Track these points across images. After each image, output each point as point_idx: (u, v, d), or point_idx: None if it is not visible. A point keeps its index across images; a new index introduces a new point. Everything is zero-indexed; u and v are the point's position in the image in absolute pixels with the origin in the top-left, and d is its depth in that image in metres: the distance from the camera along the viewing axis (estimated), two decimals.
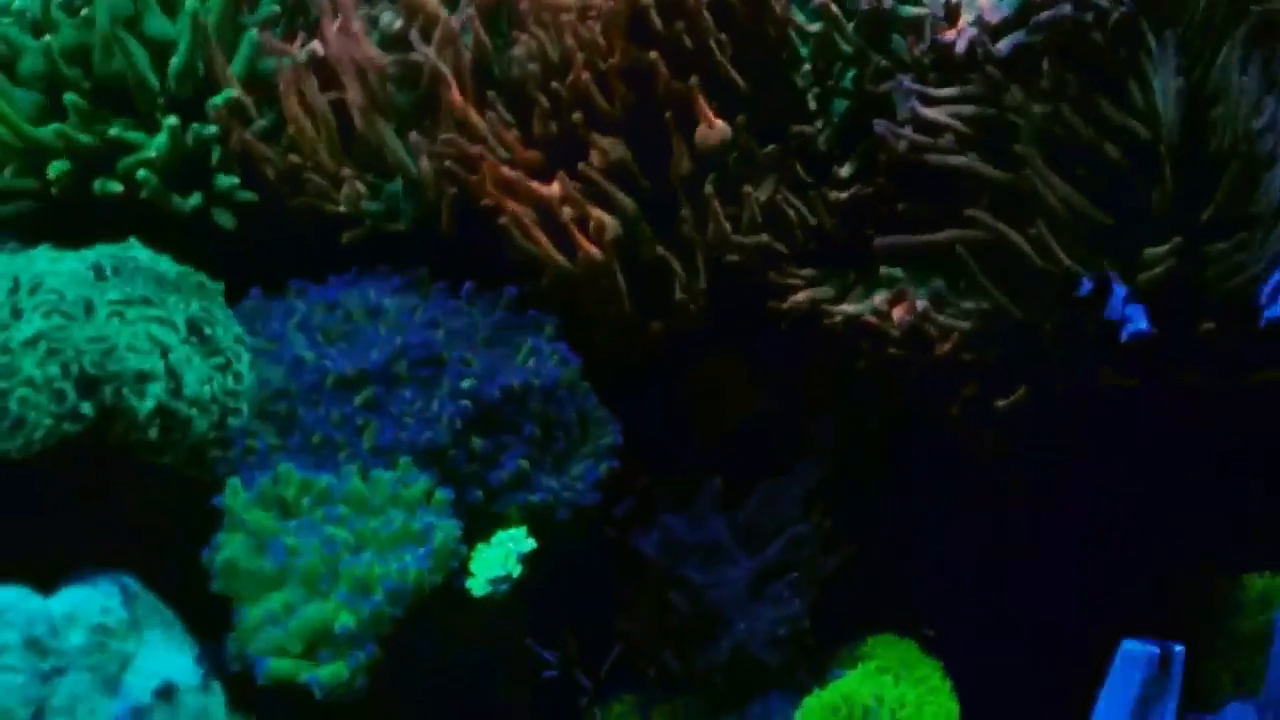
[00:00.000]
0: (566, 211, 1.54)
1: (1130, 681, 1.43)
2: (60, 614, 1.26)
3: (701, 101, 1.54)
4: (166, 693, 1.27)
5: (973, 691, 1.60)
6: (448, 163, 1.57)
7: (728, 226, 1.56)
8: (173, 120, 1.56)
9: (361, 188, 1.61)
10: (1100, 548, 1.73)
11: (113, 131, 1.56)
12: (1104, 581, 1.72)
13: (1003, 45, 1.49)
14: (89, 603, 1.28)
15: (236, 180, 1.61)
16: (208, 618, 1.40)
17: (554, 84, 1.56)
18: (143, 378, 1.38)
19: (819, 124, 1.63)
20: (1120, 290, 1.41)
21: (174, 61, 1.59)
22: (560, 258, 1.55)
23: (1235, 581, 1.72)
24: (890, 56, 1.57)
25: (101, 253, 1.49)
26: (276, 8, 1.67)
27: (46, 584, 1.32)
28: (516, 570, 1.42)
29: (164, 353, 1.41)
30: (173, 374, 1.40)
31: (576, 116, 1.55)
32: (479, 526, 1.46)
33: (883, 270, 1.58)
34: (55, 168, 1.54)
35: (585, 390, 1.58)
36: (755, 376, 1.72)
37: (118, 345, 1.38)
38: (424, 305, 1.57)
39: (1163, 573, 1.71)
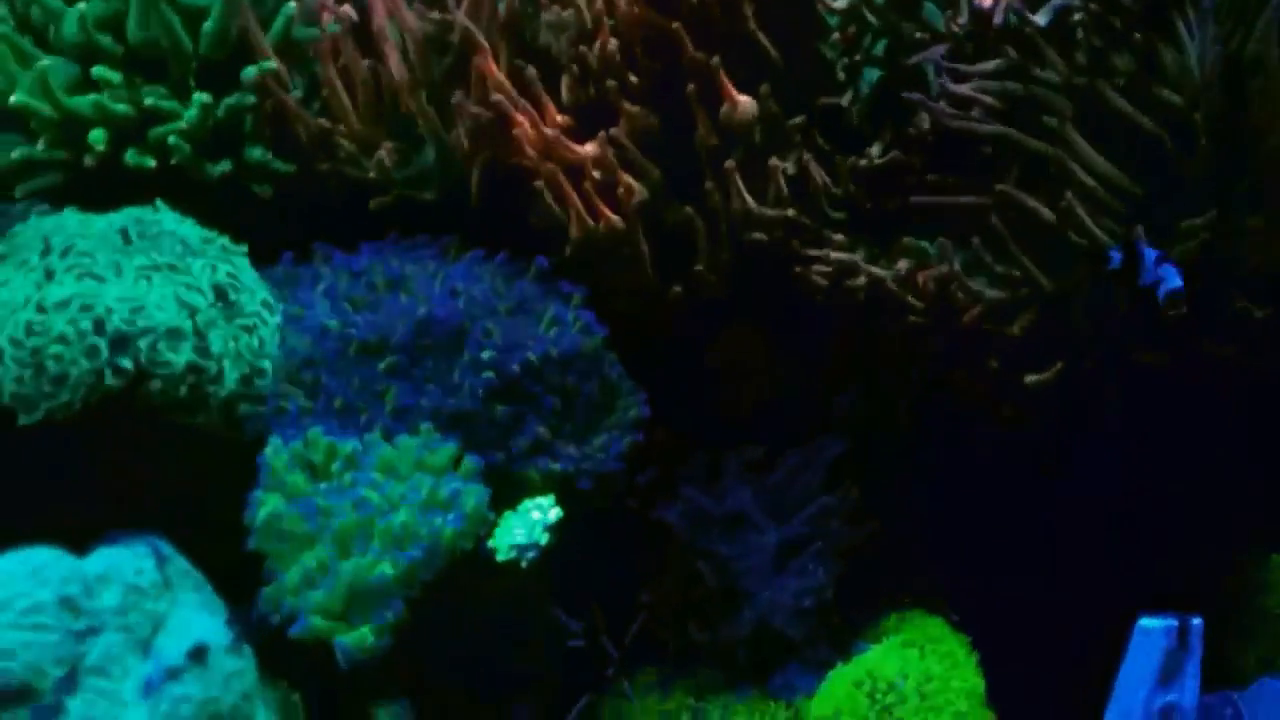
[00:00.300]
0: (596, 175, 1.54)
1: (1150, 654, 1.43)
2: (94, 574, 1.27)
3: (724, 80, 1.53)
4: (199, 654, 1.27)
5: (997, 667, 1.59)
6: (481, 125, 1.56)
7: (752, 203, 1.55)
8: (205, 97, 1.57)
9: (391, 154, 1.61)
10: (1126, 525, 1.73)
11: (148, 101, 1.56)
12: (1129, 559, 1.71)
13: (1040, 16, 1.48)
14: (122, 564, 1.29)
15: (269, 154, 1.61)
16: (235, 581, 1.40)
17: (582, 49, 1.55)
18: (174, 334, 1.39)
19: (848, 95, 1.62)
20: (1151, 253, 1.40)
21: (207, 26, 1.60)
22: (590, 220, 1.54)
23: (1262, 560, 1.71)
24: (923, 26, 1.56)
25: (129, 217, 1.50)
26: None
27: (79, 546, 1.33)
28: (544, 539, 1.42)
29: (191, 314, 1.41)
30: (200, 334, 1.41)
31: (609, 84, 1.54)
32: (500, 494, 1.46)
33: (907, 241, 1.57)
34: (94, 137, 1.54)
35: (611, 360, 1.57)
36: (777, 351, 1.72)
37: (147, 305, 1.39)
38: (446, 273, 1.56)
39: (1188, 551, 1.70)
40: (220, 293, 1.46)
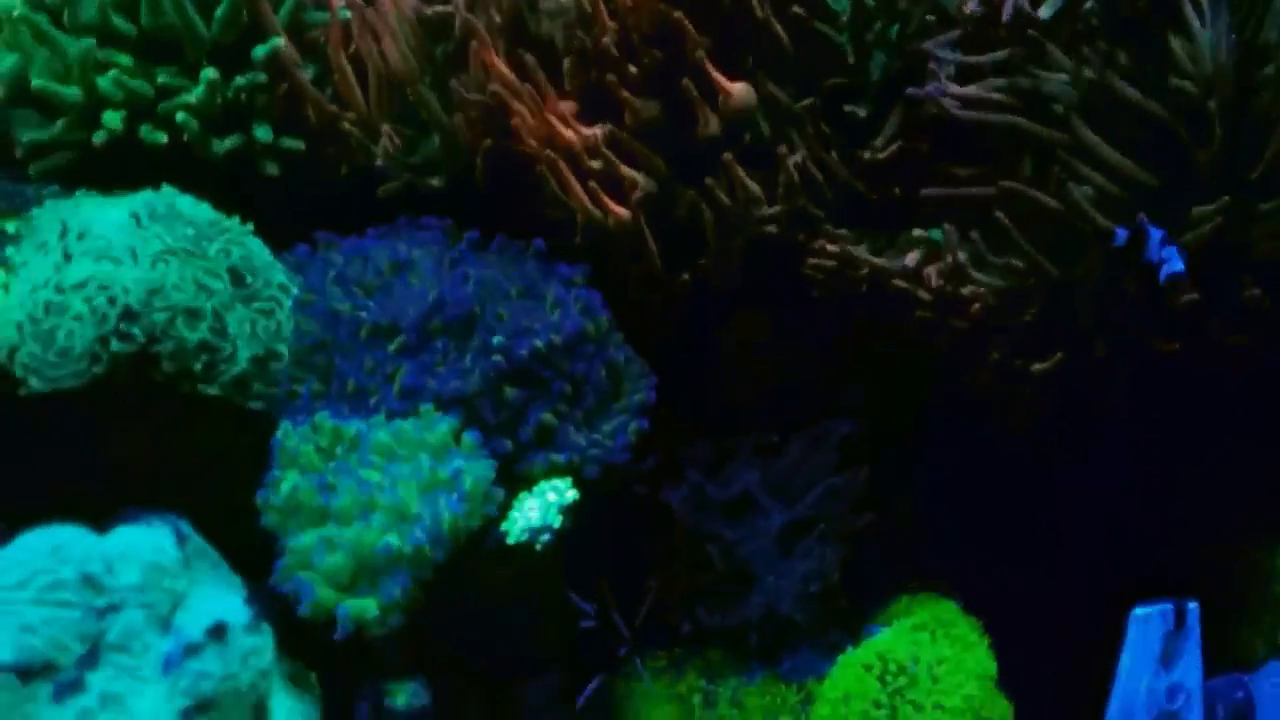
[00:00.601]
0: (595, 165, 1.54)
1: (1150, 639, 1.44)
2: (115, 552, 1.28)
3: (711, 69, 1.52)
4: (218, 631, 1.28)
5: (1007, 652, 1.60)
6: (482, 113, 1.57)
7: (757, 190, 1.55)
8: (211, 73, 1.57)
9: (398, 141, 1.61)
10: (1135, 512, 1.73)
11: (160, 79, 1.57)
12: (1138, 546, 1.72)
13: (1044, 10, 1.48)
14: (142, 542, 1.30)
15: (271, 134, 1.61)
16: (253, 561, 1.40)
17: (580, 37, 1.55)
18: (191, 314, 1.39)
19: (859, 81, 1.63)
20: (1156, 233, 1.40)
21: (219, 10, 1.60)
22: (594, 208, 1.55)
23: (1272, 548, 1.72)
24: (935, 10, 1.56)
25: (146, 199, 1.50)
26: None
27: (97, 524, 1.33)
28: (557, 521, 1.42)
29: (208, 296, 1.42)
30: (217, 316, 1.42)
31: (609, 78, 1.54)
32: (510, 481, 1.46)
33: (916, 232, 1.58)
34: (109, 118, 1.54)
35: (618, 342, 1.56)
36: (785, 340, 1.72)
37: (164, 286, 1.39)
38: (453, 258, 1.57)
39: (1197, 538, 1.71)
40: (237, 276, 1.47)
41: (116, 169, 1.57)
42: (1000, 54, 1.50)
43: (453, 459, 1.41)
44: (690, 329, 1.70)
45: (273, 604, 1.37)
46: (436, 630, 1.42)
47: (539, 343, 1.48)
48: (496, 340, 1.47)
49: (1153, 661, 1.44)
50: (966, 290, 1.51)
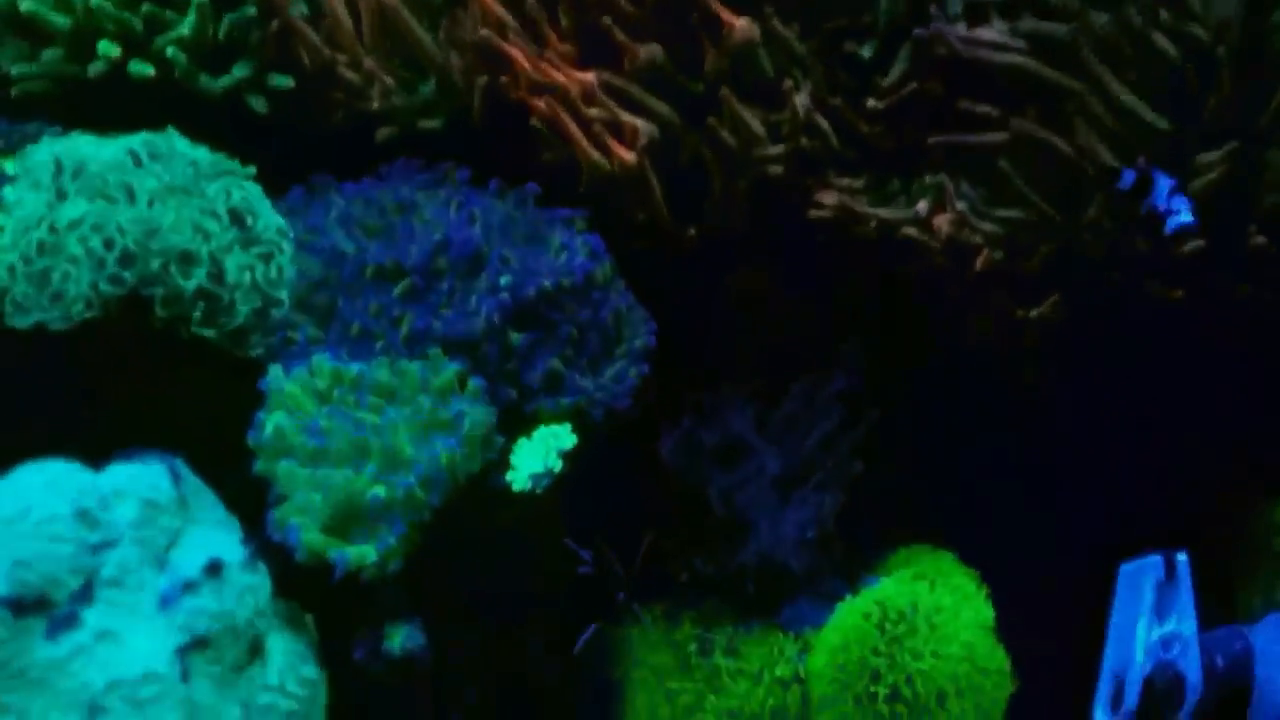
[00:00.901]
0: (596, 113, 1.52)
1: (1141, 590, 1.43)
2: (110, 488, 1.27)
3: (713, 2, 1.51)
4: (214, 568, 1.27)
5: (1003, 605, 1.59)
6: (478, 55, 1.55)
7: (761, 130, 1.54)
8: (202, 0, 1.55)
9: (392, 83, 1.60)
10: (1132, 466, 1.73)
11: (145, 8, 1.54)
12: (1135, 501, 1.71)
13: None
14: (138, 479, 1.29)
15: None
16: (248, 504, 1.40)
17: None
18: (187, 258, 1.38)
19: (865, 21, 1.60)
20: (1166, 182, 1.39)
21: None
22: (596, 155, 1.53)
23: (1273, 502, 1.72)
24: None
25: (145, 138, 1.48)
26: None
27: (94, 463, 1.32)
28: (557, 465, 1.42)
29: (205, 238, 1.40)
30: (215, 260, 1.40)
31: (605, 21, 1.52)
32: (513, 425, 1.46)
33: (928, 178, 1.56)
34: (105, 47, 1.52)
35: (620, 288, 1.56)
36: (785, 293, 1.71)
37: (161, 227, 1.38)
38: (458, 200, 1.55)
39: (1197, 491, 1.71)
40: (236, 218, 1.45)
41: (108, 114, 1.55)
42: None
43: (456, 402, 1.40)
44: (690, 279, 1.69)
45: (269, 547, 1.36)
46: (435, 573, 1.41)
47: (547, 283, 1.48)
48: (504, 280, 1.46)
49: (1148, 610, 1.43)
50: (977, 239, 1.50)
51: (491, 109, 1.58)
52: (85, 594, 1.22)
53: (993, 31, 1.49)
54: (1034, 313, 1.52)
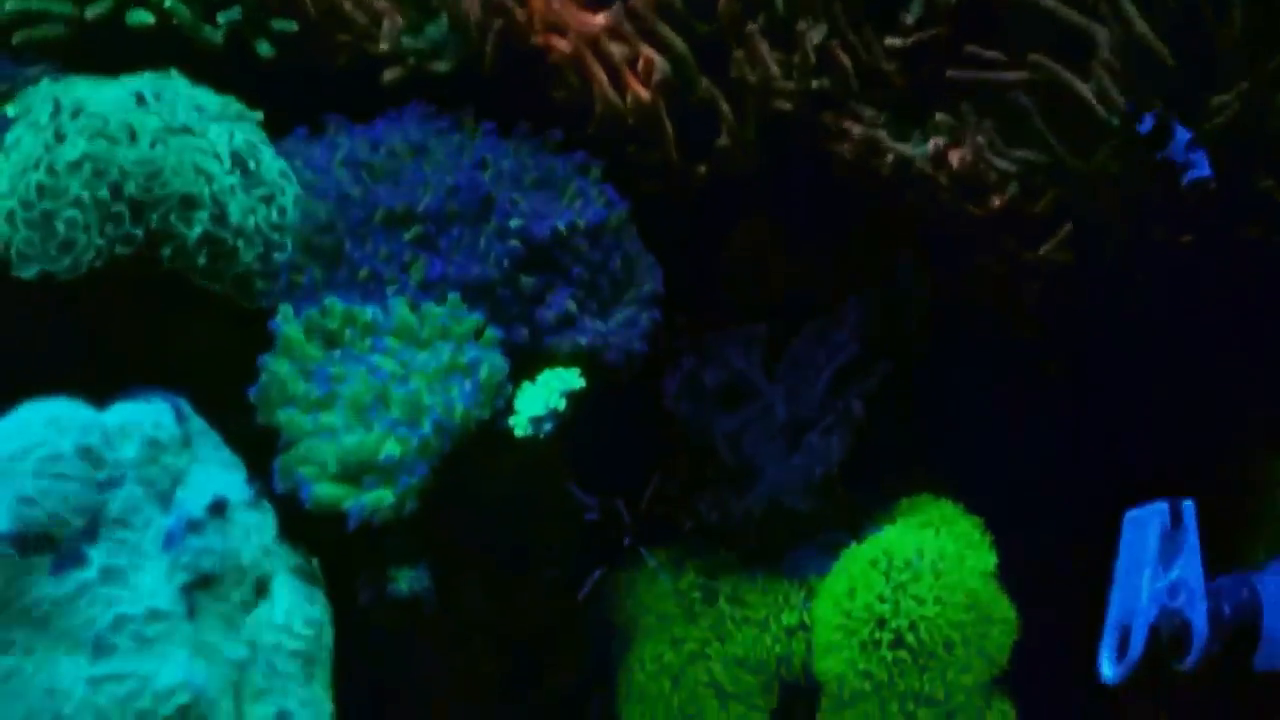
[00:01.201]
0: (614, 49, 1.51)
1: (1147, 538, 1.43)
2: (113, 426, 1.25)
3: None
4: (219, 507, 1.26)
5: (1007, 553, 1.59)
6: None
7: (776, 69, 1.52)
8: None
9: (401, 22, 1.58)
10: (1138, 417, 1.73)
11: None
12: (1141, 452, 1.71)
13: None
14: (142, 417, 1.27)
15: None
16: (255, 452, 1.39)
17: None
18: (189, 203, 1.36)
19: None
20: (1184, 134, 1.38)
21: None
22: (612, 93, 1.52)
23: (1276, 455, 1.72)
24: None
25: (143, 79, 1.46)
26: None
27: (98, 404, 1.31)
28: (561, 405, 1.41)
29: (208, 181, 1.39)
30: (217, 202, 1.38)
31: None
32: (525, 367, 1.45)
33: (940, 117, 1.55)
34: None
35: (632, 234, 1.56)
36: (794, 239, 1.70)
37: (163, 169, 1.36)
38: (471, 145, 1.54)
39: (1205, 442, 1.70)
40: (239, 160, 1.43)
41: (111, 68, 1.53)
42: None
43: (472, 349, 1.40)
44: (704, 223, 1.68)
45: (274, 493, 1.36)
46: (440, 517, 1.41)
47: (560, 224, 1.47)
48: (514, 223, 1.45)
49: (1153, 558, 1.43)
50: (992, 175, 1.49)
51: (506, 52, 1.56)
52: (90, 533, 1.21)
53: None
54: (1042, 250, 1.51)
